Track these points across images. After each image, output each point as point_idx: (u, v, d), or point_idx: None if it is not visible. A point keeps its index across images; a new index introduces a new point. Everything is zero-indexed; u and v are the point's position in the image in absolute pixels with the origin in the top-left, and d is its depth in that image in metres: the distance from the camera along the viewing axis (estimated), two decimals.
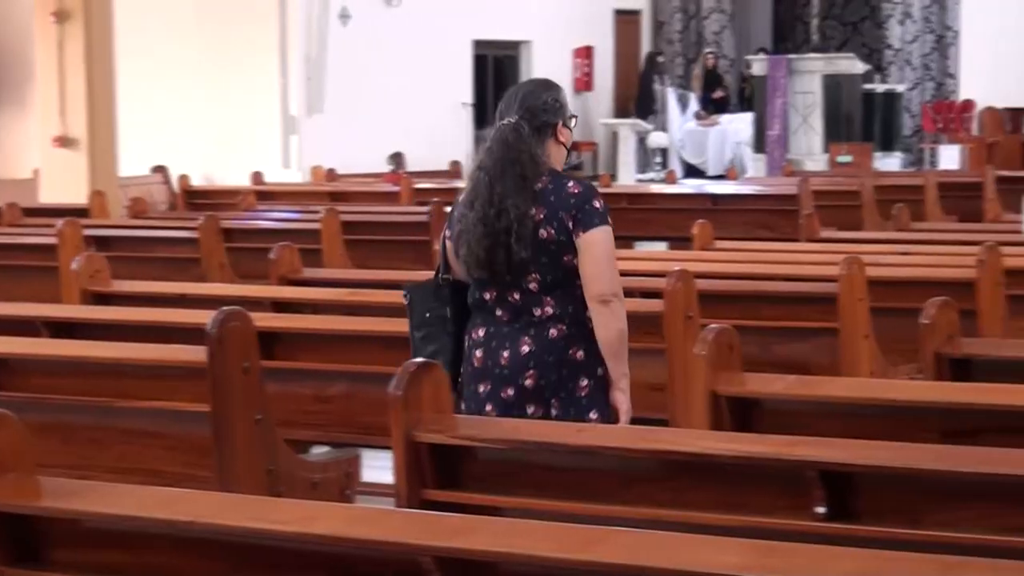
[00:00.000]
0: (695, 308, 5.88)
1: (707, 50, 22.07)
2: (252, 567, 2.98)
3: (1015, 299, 7.09)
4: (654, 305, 5.97)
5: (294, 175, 17.16)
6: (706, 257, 8.53)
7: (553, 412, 4.39)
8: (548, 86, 4.59)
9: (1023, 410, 3.96)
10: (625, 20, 22.13)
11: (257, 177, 15.19)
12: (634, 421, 4.59)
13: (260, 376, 4.63)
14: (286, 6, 17.41)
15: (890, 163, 19.69)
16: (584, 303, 4.41)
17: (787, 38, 23.31)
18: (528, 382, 4.40)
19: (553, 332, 4.41)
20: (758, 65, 20.04)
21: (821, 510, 3.31)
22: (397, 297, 6.54)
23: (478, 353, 4.47)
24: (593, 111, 21.63)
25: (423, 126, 18.41)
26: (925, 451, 3.42)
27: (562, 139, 4.55)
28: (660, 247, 12.45)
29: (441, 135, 18.69)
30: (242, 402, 4.54)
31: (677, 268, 5.97)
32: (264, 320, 5.62)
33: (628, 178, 19.77)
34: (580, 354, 4.42)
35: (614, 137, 21.01)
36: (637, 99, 21.45)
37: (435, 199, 11.02)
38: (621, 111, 21.74)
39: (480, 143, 4.65)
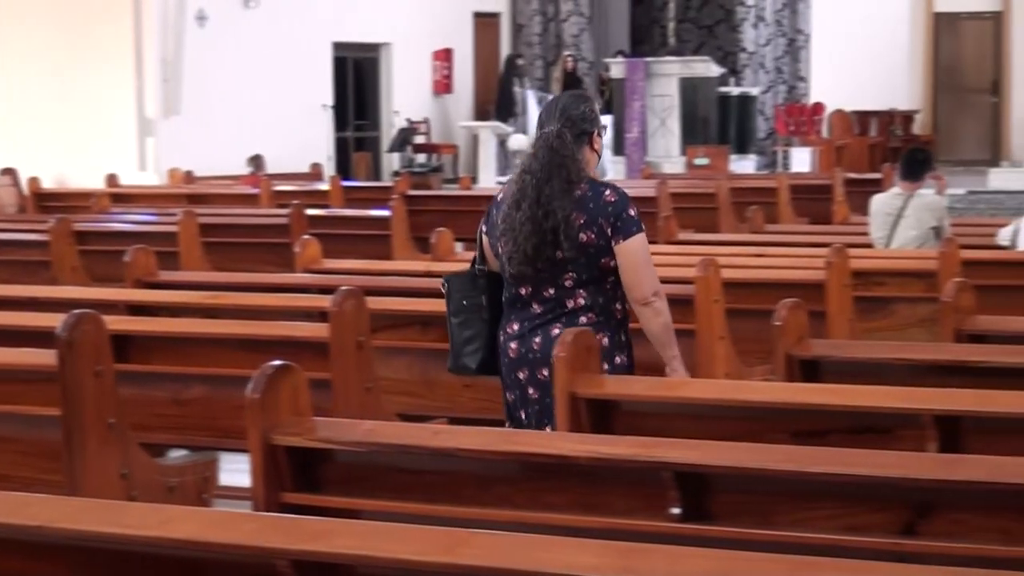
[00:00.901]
0: None
1: (566, 53, 22.19)
2: (105, 573, 2.94)
3: (861, 300, 7.24)
4: None
5: (150, 178, 16.94)
6: None
7: None
8: (585, 98, 4.96)
9: (869, 411, 4.04)
10: (484, 23, 22.17)
11: (112, 180, 14.97)
12: (494, 424, 4.63)
13: (113, 380, 4.57)
14: (141, 7, 17.17)
15: (745, 165, 19.97)
16: (612, 295, 4.78)
17: (644, 41, 23.53)
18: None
19: (583, 319, 4.75)
20: (616, 68, 20.20)
21: (676, 511, 3.35)
22: (256, 300, 6.52)
23: (513, 345, 4.82)
24: (453, 114, 21.64)
25: (283, 128, 18.28)
26: (776, 452, 3.47)
27: (596, 147, 4.88)
28: None
29: (302, 137, 18.57)
30: (94, 406, 4.48)
31: None
32: (119, 323, 5.54)
33: (489, 181, 19.80)
34: (605, 341, 4.73)
35: (474, 140, 21.04)
36: (497, 101, 21.49)
37: (295, 201, 10.95)
38: (481, 113, 21.77)
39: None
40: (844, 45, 22.78)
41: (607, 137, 20.41)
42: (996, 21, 23.76)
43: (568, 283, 4.75)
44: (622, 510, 3.42)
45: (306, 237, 8.24)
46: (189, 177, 16.11)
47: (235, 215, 11.56)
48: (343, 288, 5.30)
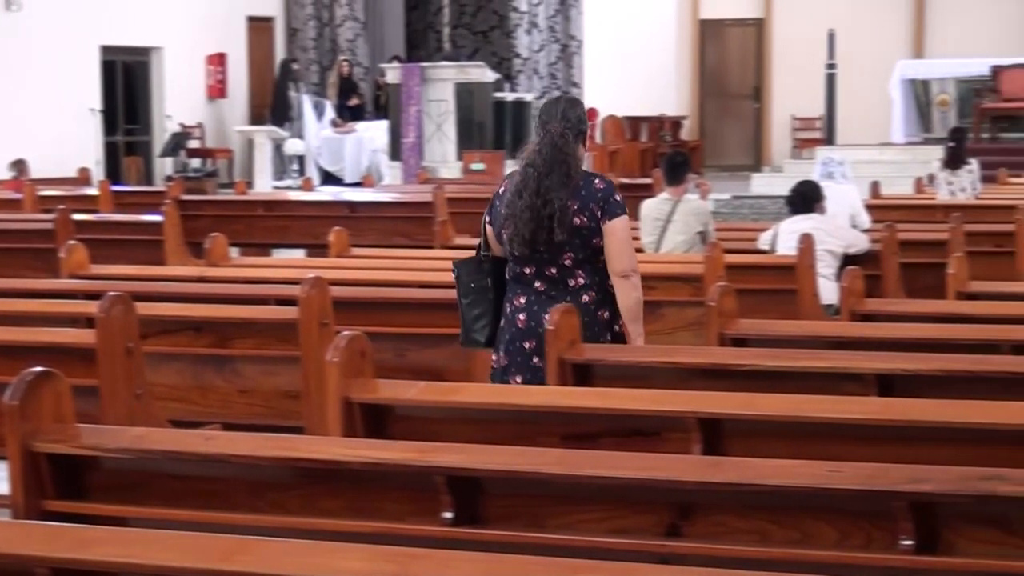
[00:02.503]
0: (330, 315, 5.89)
1: (342, 58, 22.11)
2: None
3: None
4: (289, 313, 5.97)
5: None
6: (342, 264, 8.56)
7: None
8: (579, 103, 5.66)
9: (637, 414, 4.13)
10: (258, 27, 21.95)
11: None
12: (269, 429, 4.61)
13: None
14: None
15: None
16: (606, 273, 5.41)
17: (420, 46, 23.57)
18: None
19: (585, 297, 5.39)
20: (392, 73, 20.19)
21: (448, 515, 3.37)
22: (19, 306, 6.35)
23: (521, 316, 5.42)
24: (227, 118, 21.38)
25: (50, 133, 17.84)
26: (547, 455, 3.51)
27: (586, 146, 5.55)
28: (298, 254, 12.42)
29: (68, 142, 18.15)
30: None
31: (312, 275, 5.97)
32: None
33: (265, 185, 19.62)
34: (605, 314, 5.44)
35: (250, 144, 20.81)
36: (272, 106, 21.30)
37: (61, 206, 10.71)
38: (257, 118, 21.55)
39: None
40: (615, 51, 23.19)
41: (383, 142, 20.45)
42: (758, 28, 24.43)
43: (567, 262, 5.38)
44: (395, 515, 3.43)
45: (72, 242, 8.06)
46: None
47: None
48: (111, 293, 5.21)
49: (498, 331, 5.50)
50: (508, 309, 5.47)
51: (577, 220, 5.33)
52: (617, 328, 5.48)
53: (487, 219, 5.54)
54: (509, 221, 5.36)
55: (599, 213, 5.34)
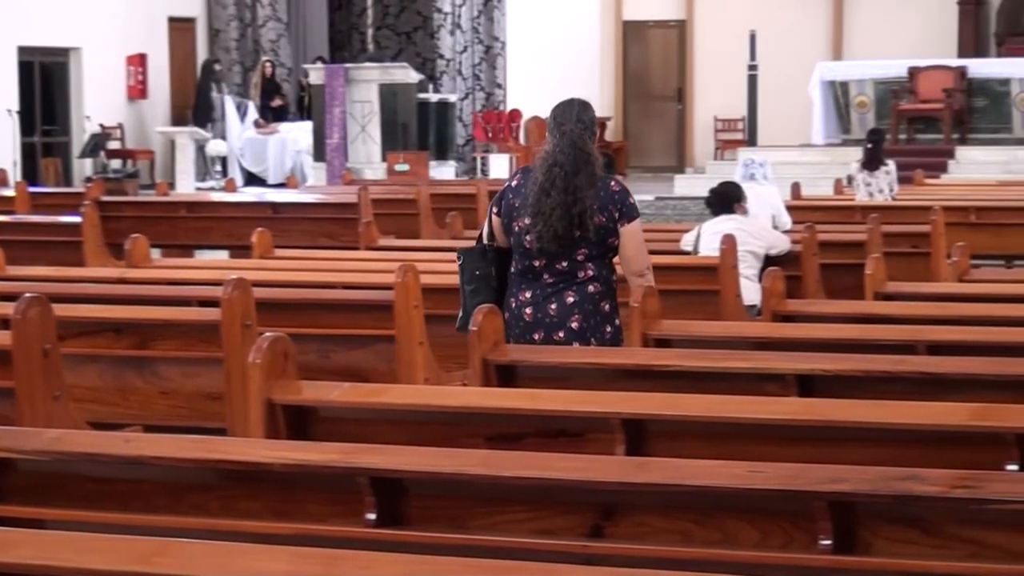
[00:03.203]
0: (253, 316, 5.86)
1: (264, 58, 22.00)
2: None
3: None
4: (211, 314, 5.93)
5: None
6: (266, 265, 8.52)
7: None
8: (590, 106, 5.87)
9: (561, 415, 4.14)
10: (179, 27, 21.79)
11: None
12: (190, 431, 4.58)
13: None
14: None
15: (445, 171, 20.15)
16: (611, 269, 5.74)
17: (344, 47, 23.50)
18: (574, 324, 5.65)
19: (591, 289, 5.67)
20: (315, 74, 20.12)
21: (372, 516, 3.37)
22: None
23: (528, 310, 5.70)
24: (149, 119, 21.21)
25: None
26: (471, 456, 3.52)
27: (596, 145, 5.78)
28: (221, 256, 12.35)
29: None
30: None
31: (234, 277, 5.94)
32: None
33: (187, 187, 19.49)
34: (607, 307, 5.72)
35: (171, 145, 20.67)
36: (194, 107, 21.16)
37: None
38: (179, 119, 21.40)
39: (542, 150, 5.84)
40: (538, 53, 23.25)
41: (307, 143, 20.39)
42: (680, 29, 24.57)
43: (580, 257, 5.65)
44: (318, 516, 3.42)
45: None
46: None
47: None
48: (27, 295, 5.15)
49: (508, 327, 5.59)
50: (513, 304, 5.73)
51: (597, 219, 5.62)
52: (617, 322, 5.75)
53: (495, 210, 5.82)
54: (538, 218, 5.60)
55: (617, 215, 5.66)
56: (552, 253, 5.65)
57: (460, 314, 5.84)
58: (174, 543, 2.76)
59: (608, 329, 5.70)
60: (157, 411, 5.90)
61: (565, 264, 5.67)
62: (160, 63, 21.28)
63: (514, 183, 5.80)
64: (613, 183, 5.75)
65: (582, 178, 5.61)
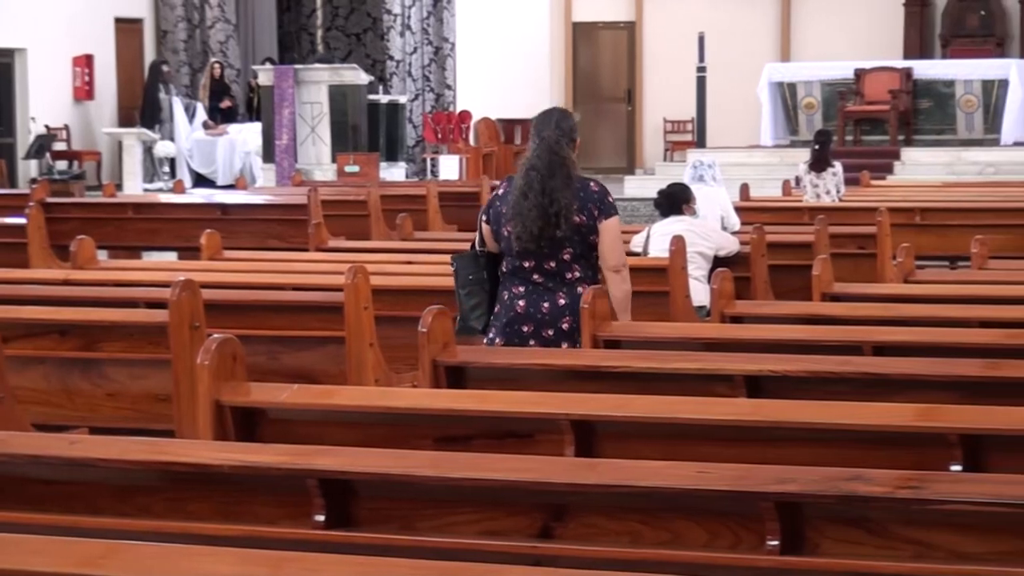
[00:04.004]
0: (201, 318, 5.83)
1: (213, 60, 21.89)
2: None
3: None
4: (159, 315, 5.90)
5: None
6: (214, 267, 8.49)
7: (579, 346, 5.73)
8: (570, 114, 6.22)
9: (510, 416, 4.14)
10: (127, 28, 21.66)
11: None
12: (138, 433, 4.57)
13: None
14: None
15: (395, 173, 20.12)
16: (599, 269, 5.99)
17: (293, 48, 23.43)
18: (565, 325, 5.88)
19: (580, 288, 5.84)
20: (264, 75, 20.04)
21: (321, 518, 3.36)
22: None
23: (520, 303, 5.94)
24: (95, 120, 21.07)
25: None
26: (421, 458, 3.52)
27: (576, 151, 6.06)
28: (170, 257, 12.29)
29: None
30: None
31: (182, 278, 5.91)
32: None
33: (135, 188, 19.37)
34: None
35: (119, 147, 20.54)
36: (142, 108, 21.03)
37: None
38: (126, 120, 21.27)
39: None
40: (488, 54, 23.25)
41: (256, 144, 20.31)
42: (630, 31, 24.63)
43: (567, 257, 5.92)
44: (266, 518, 3.42)
45: None
46: None
47: None
48: None
49: (493, 316, 6.00)
50: (506, 296, 5.99)
51: (577, 219, 5.89)
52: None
53: (484, 218, 6.10)
54: (516, 220, 5.89)
55: (596, 212, 5.93)
56: (538, 254, 5.91)
57: (457, 317, 5.99)
58: (120, 545, 2.75)
59: None
60: (103, 413, 5.87)
61: (553, 264, 5.93)
62: (107, 64, 21.15)
63: (500, 190, 6.10)
64: (592, 183, 6.03)
65: (558, 180, 5.88)
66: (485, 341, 6.05)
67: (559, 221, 5.85)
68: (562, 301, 5.90)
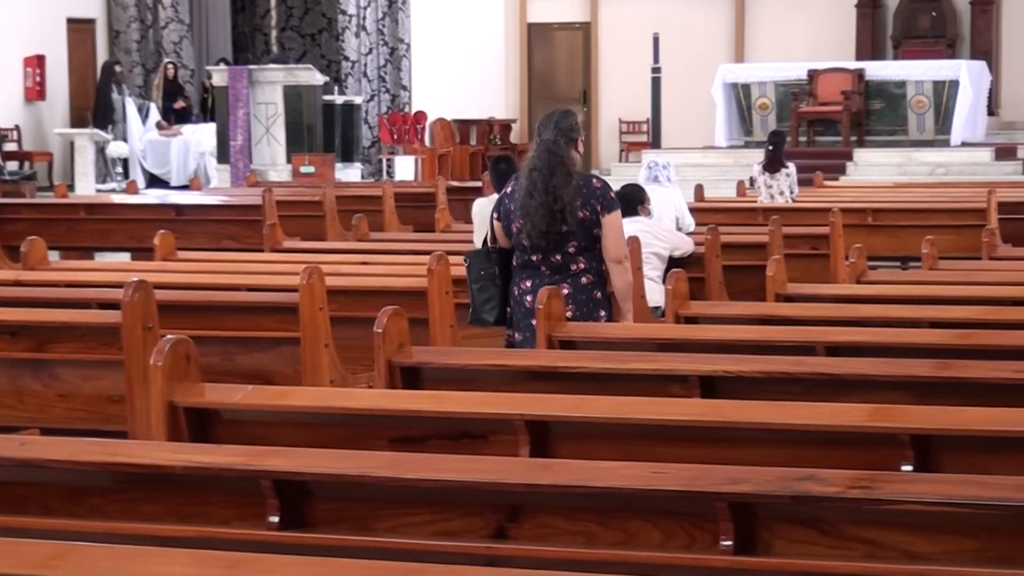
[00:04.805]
0: (155, 319, 5.80)
1: (166, 60, 21.78)
2: None
3: (463, 307, 7.40)
4: (112, 316, 5.87)
5: None
6: (168, 268, 8.46)
7: None
8: (572, 114, 6.52)
9: (465, 417, 4.14)
10: (79, 29, 21.52)
11: None
12: (90, 434, 4.56)
13: None
14: None
15: (351, 174, 20.08)
16: (601, 259, 6.32)
17: (247, 49, 23.34)
18: (569, 314, 6.01)
19: (584, 280, 6.29)
20: (219, 76, 19.96)
21: (275, 519, 3.36)
22: None
23: (528, 298, 6.23)
24: (47, 121, 20.93)
25: None
26: (376, 458, 3.51)
27: (579, 149, 6.42)
28: (123, 258, 12.22)
29: None
30: None
31: (135, 279, 5.88)
32: None
33: (87, 189, 19.25)
34: (599, 295, 6.35)
35: (71, 147, 20.41)
36: (94, 109, 20.90)
37: None
38: (78, 121, 21.13)
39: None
40: (443, 55, 23.23)
41: (210, 144, 20.23)
42: (585, 32, 24.67)
43: (571, 250, 6.27)
44: (220, 519, 3.41)
45: None
46: None
47: None
48: None
49: (511, 313, 6.41)
50: (516, 293, 6.38)
51: (581, 213, 6.24)
52: (608, 309, 6.38)
53: (495, 215, 6.48)
54: (525, 218, 6.26)
55: (599, 207, 6.28)
56: (545, 247, 6.28)
57: (470, 309, 6.47)
58: (72, 547, 2.73)
59: (602, 314, 6.33)
60: (55, 414, 5.83)
61: (559, 257, 6.30)
62: (59, 65, 21.01)
63: (509, 189, 6.47)
64: (594, 180, 6.44)
65: (558, 178, 6.22)
66: (507, 339, 6.49)
67: (564, 217, 6.20)
68: (566, 290, 6.16)
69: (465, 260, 6.59)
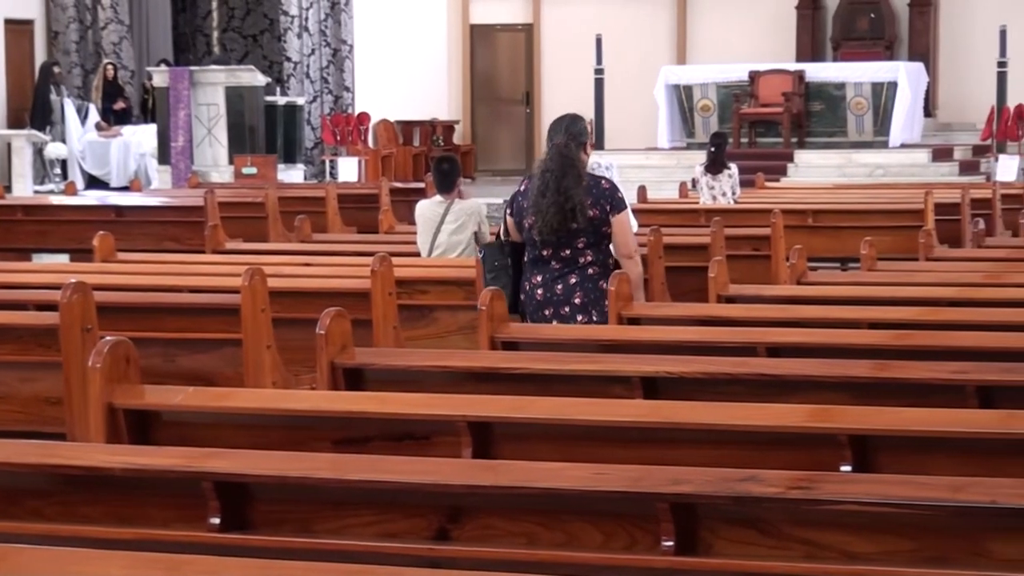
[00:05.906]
0: (93, 320, 5.76)
1: (106, 61, 21.62)
2: None
3: (405, 308, 7.40)
4: (49, 318, 5.82)
5: None
6: (108, 269, 8.40)
7: (594, 318, 6.68)
8: (580, 118, 7.01)
9: (408, 418, 4.14)
10: (16, 30, 21.32)
11: None
12: (28, 436, 4.53)
13: None
14: None
15: (294, 175, 20.01)
16: (607, 254, 6.79)
17: (188, 50, 23.21)
18: (577, 300, 6.69)
19: (591, 271, 6.75)
20: (159, 76, 19.84)
21: (216, 521, 3.34)
22: None
23: (539, 291, 6.76)
24: None
25: None
26: (318, 460, 3.51)
27: (587, 152, 6.93)
28: (62, 260, 12.13)
29: None
30: None
31: (73, 280, 5.84)
32: None
33: (25, 190, 19.07)
34: (604, 284, 6.56)
35: (8, 148, 20.22)
36: (32, 110, 20.73)
37: None
38: (15, 122, 20.95)
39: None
40: (386, 56, 23.18)
41: (151, 145, 20.12)
42: (528, 33, 24.68)
43: (580, 245, 6.72)
44: (160, 521, 3.39)
45: None
46: None
47: None
48: None
49: (523, 305, 6.80)
50: (527, 286, 6.81)
51: (591, 212, 6.67)
52: None
53: (508, 211, 6.94)
54: (537, 216, 6.67)
55: (608, 207, 6.72)
56: (555, 243, 6.70)
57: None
58: (9, 549, 2.71)
59: (607, 303, 6.47)
60: None
61: (568, 252, 6.73)
62: None
63: (522, 188, 6.91)
64: (603, 181, 6.86)
65: (569, 179, 6.65)
66: None
67: (575, 215, 6.63)
68: (573, 280, 6.70)
69: (480, 251, 7.17)
